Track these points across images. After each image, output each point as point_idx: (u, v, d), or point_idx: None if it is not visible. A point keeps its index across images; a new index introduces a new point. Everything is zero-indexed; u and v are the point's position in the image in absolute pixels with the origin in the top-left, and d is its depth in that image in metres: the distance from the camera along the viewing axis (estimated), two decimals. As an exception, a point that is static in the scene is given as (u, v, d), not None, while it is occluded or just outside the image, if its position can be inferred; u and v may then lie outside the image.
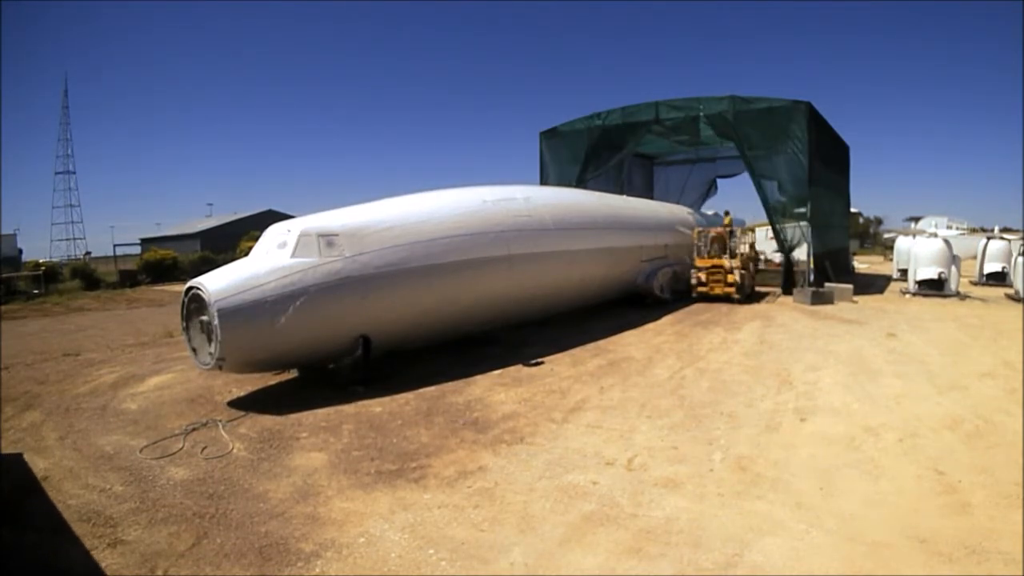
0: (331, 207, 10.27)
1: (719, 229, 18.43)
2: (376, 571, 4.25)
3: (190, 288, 8.25)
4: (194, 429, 7.32)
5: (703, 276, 17.39)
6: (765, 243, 26.51)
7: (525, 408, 7.87)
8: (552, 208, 13.06)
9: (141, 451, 6.66)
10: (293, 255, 8.56)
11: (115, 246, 55.56)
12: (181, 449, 6.71)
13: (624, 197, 19.58)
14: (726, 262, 17.16)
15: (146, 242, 56.70)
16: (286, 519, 5.03)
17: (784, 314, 15.27)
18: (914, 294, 18.34)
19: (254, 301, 7.95)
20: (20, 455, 6.79)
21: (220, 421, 7.54)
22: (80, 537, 4.85)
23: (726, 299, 16.98)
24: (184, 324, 8.46)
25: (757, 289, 19.53)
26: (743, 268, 17.31)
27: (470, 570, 4.24)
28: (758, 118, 18.47)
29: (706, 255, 17.72)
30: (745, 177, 19.53)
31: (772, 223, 19.16)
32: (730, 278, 17.03)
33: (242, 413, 7.90)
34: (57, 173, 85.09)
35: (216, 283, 8.07)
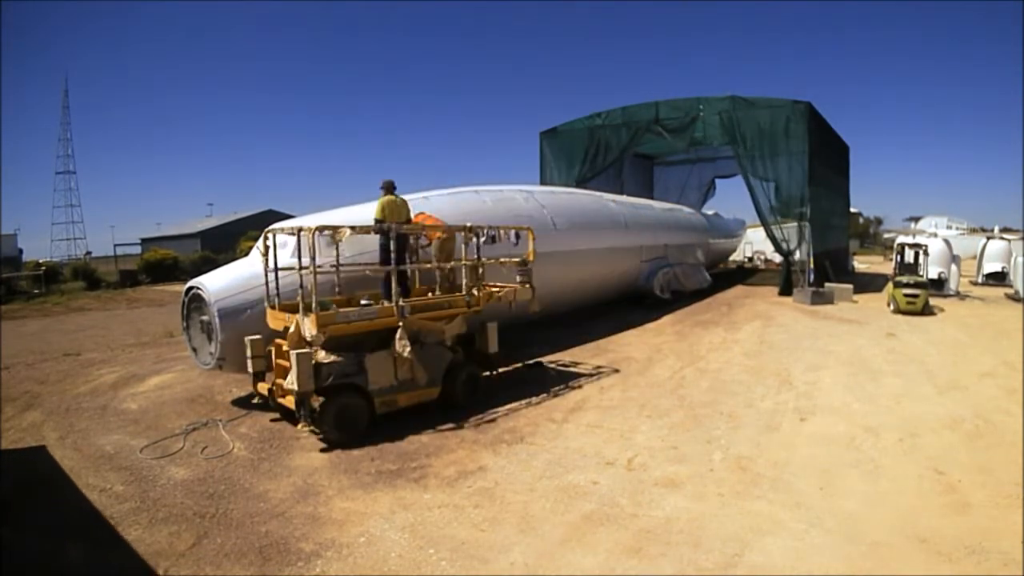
0: (331, 207, 10.27)
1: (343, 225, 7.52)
2: (376, 571, 4.26)
3: (190, 288, 8.26)
4: (194, 429, 7.32)
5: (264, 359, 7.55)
6: (767, 243, 26.51)
7: (525, 408, 7.87)
8: (552, 208, 13.05)
9: (141, 451, 6.67)
10: (293, 255, 8.55)
11: (115, 246, 55.44)
12: (181, 449, 6.71)
13: (624, 197, 19.58)
14: (300, 323, 6.65)
15: (146, 242, 56.61)
16: (286, 519, 5.04)
17: (784, 314, 15.26)
18: (914, 294, 18.34)
19: (255, 301, 7.94)
20: (43, 447, 6.92)
21: (220, 421, 7.54)
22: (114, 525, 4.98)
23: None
24: (184, 324, 8.47)
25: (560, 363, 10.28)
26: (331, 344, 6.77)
27: (470, 570, 4.24)
28: (758, 118, 18.48)
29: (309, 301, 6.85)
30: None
31: (764, 224, 19.13)
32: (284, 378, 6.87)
33: (243, 412, 7.91)
34: (57, 173, 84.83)
35: (216, 283, 8.07)
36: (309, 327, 6.55)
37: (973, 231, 34.69)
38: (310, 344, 6.69)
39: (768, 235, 19.34)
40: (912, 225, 36.74)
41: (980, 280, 21.23)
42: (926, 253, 16.84)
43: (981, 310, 15.68)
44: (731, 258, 30.66)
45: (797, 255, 18.69)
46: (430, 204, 10.66)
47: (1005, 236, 23.25)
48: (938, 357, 10.22)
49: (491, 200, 11.71)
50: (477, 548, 4.50)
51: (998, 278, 20.68)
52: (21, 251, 42.48)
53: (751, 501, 5.10)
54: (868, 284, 21.14)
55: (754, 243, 31.19)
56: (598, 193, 16.94)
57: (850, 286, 18.18)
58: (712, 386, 8.65)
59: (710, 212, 27.06)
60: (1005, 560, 4.15)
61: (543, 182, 22.25)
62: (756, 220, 20.64)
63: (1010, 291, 18.46)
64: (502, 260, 9.16)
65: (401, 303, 7.25)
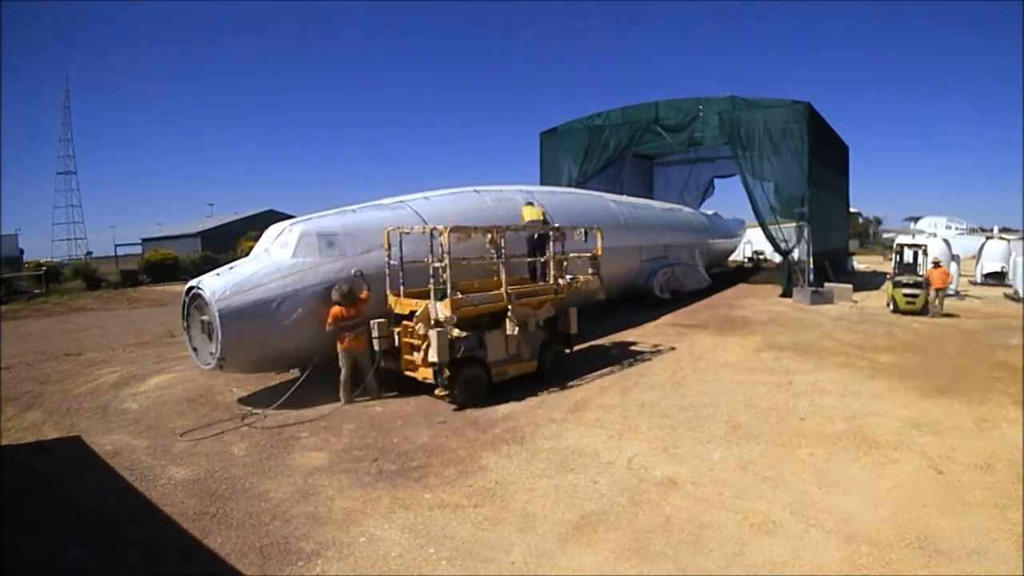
0: (331, 207, 10.28)
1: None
2: (376, 570, 4.27)
3: (191, 288, 8.27)
4: (246, 416, 7.69)
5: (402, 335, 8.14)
6: (767, 243, 26.47)
7: (525, 407, 7.88)
8: (552, 208, 13.04)
9: (182, 435, 7.02)
10: (294, 255, 8.57)
11: (116, 246, 55.29)
12: (180, 449, 6.73)
13: (624, 197, 19.58)
14: (430, 309, 7.71)
15: (147, 242, 56.62)
16: (287, 518, 5.05)
17: (784, 314, 15.27)
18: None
19: (255, 301, 7.95)
20: (79, 438, 7.14)
21: (262, 412, 7.80)
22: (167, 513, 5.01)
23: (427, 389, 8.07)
24: (185, 324, 8.47)
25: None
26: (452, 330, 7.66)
27: (470, 569, 4.25)
28: (758, 118, 18.49)
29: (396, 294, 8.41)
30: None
31: (763, 225, 19.13)
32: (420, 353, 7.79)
33: (245, 412, 7.92)
34: (58, 173, 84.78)
35: (217, 283, 8.07)
36: (443, 309, 7.61)
37: (973, 231, 34.70)
38: (441, 324, 7.61)
39: (766, 235, 19.35)
40: (911, 225, 36.76)
41: (979, 280, 21.27)
42: (925, 253, 16.86)
43: (980, 309, 15.69)
44: (731, 258, 30.66)
45: (796, 254, 18.70)
46: (430, 204, 10.68)
47: (1004, 236, 23.31)
48: (937, 356, 10.23)
49: (491, 200, 11.72)
50: (477, 548, 4.51)
51: (997, 278, 20.74)
52: (22, 251, 42.53)
53: (751, 501, 5.11)
54: (867, 283, 21.17)
55: (754, 243, 31.17)
56: (598, 193, 16.93)
57: (850, 286, 18.20)
58: (712, 386, 8.65)
59: (710, 212, 27.06)
60: (1005, 560, 4.17)
61: (543, 182, 22.25)
62: (755, 220, 20.57)
63: (1009, 291, 18.49)
64: (578, 255, 10.23)
65: (508, 290, 8.35)
